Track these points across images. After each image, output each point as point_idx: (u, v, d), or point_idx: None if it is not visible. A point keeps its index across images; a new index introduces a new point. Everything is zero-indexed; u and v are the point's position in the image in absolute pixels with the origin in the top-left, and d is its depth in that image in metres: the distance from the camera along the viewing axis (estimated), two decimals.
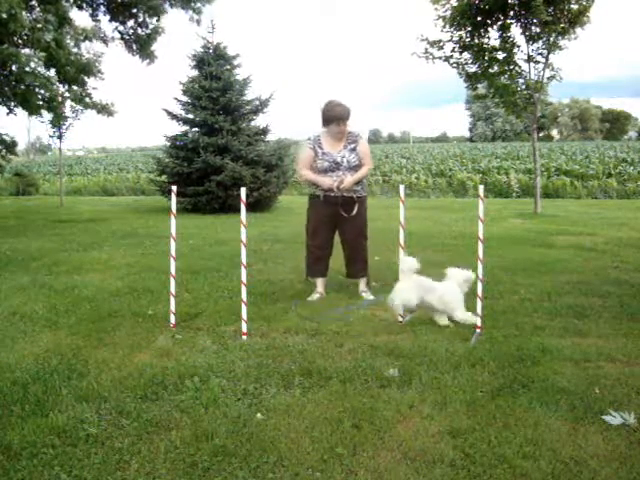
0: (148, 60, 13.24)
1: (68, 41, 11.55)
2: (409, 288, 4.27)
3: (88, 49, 12.97)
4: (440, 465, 2.38)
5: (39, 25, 8.88)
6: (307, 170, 5.12)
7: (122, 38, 13.02)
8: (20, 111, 11.34)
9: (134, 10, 12.42)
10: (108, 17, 12.86)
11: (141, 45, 12.87)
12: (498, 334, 3.99)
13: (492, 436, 2.59)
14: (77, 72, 11.56)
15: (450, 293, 4.24)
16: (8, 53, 8.93)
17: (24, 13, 8.37)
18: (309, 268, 5.34)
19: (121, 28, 12.93)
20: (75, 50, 12.12)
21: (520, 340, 3.86)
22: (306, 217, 5.33)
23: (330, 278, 5.46)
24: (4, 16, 7.96)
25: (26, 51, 9.61)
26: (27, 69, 9.58)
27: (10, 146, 14.09)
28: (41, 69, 9.72)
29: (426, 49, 11.84)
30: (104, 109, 13.47)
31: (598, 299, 4.94)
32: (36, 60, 9.25)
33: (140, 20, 12.69)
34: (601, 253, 7.31)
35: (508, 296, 5.07)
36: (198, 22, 12.87)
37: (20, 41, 9.42)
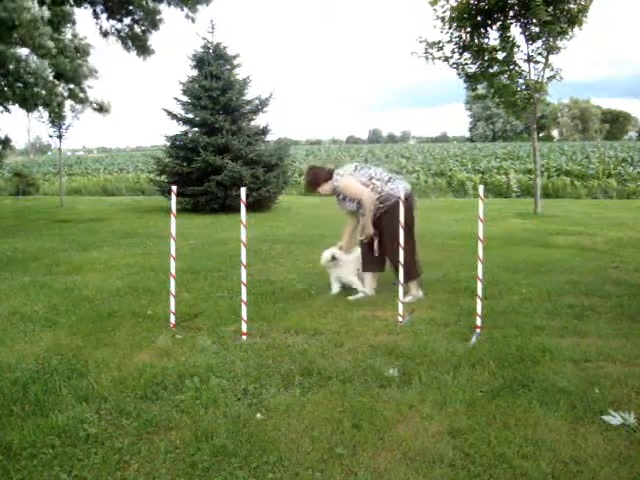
0: (144, 55, 13.29)
1: (66, 48, 11.58)
2: None
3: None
4: (440, 465, 2.38)
5: (41, 30, 8.87)
6: None
7: (119, 35, 13.08)
8: (19, 111, 11.42)
9: (130, 7, 12.47)
10: (106, 15, 12.93)
11: (137, 40, 12.93)
12: (498, 334, 3.99)
13: (492, 436, 2.59)
14: (74, 74, 11.61)
15: None
16: (9, 54, 8.94)
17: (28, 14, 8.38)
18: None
19: (118, 25, 13.02)
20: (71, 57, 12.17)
21: (520, 340, 3.86)
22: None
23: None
24: (4, 14, 7.97)
25: (24, 51, 9.63)
26: (27, 69, 9.59)
27: (5, 143, 14.15)
28: (42, 70, 9.73)
29: (426, 49, 11.85)
30: (101, 108, 13.52)
31: (598, 299, 4.94)
32: (40, 63, 9.26)
33: (137, 18, 12.75)
34: (601, 253, 7.31)
35: (508, 296, 5.07)
36: (193, 20, 12.96)
37: (20, 40, 9.41)
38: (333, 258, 5.20)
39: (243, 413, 2.85)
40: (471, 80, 12.22)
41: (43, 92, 10.40)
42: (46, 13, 8.60)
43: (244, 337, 4.01)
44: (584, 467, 2.35)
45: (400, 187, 5.00)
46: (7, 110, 11.55)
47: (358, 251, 5.34)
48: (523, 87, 11.86)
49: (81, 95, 12.60)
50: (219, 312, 4.65)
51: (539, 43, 11.58)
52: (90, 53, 12.56)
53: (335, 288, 5.29)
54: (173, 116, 13.86)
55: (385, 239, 5.08)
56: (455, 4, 11.38)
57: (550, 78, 11.83)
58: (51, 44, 9.13)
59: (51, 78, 10.10)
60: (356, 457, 2.45)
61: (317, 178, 5.24)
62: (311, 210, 13.50)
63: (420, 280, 5.17)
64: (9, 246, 8.24)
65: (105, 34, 13.26)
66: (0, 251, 7.79)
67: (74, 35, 12.19)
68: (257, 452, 2.49)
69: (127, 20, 12.96)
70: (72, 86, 12.15)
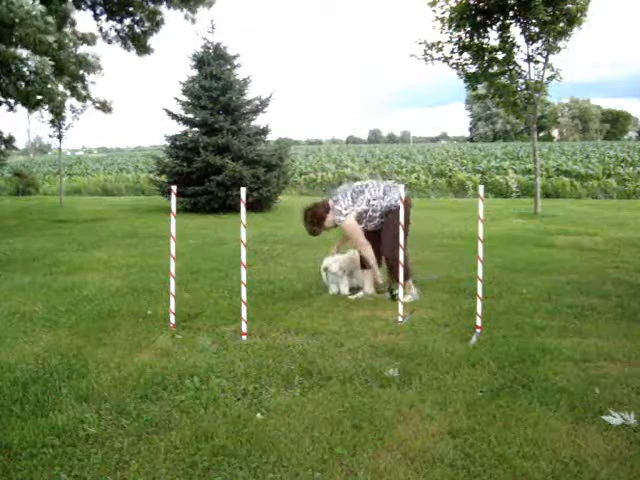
0: (144, 54, 13.35)
1: (67, 41, 11.58)
2: None
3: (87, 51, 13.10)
4: (440, 465, 2.38)
5: (40, 26, 8.85)
6: None
7: (119, 35, 13.13)
8: (20, 112, 11.44)
9: (130, 9, 12.52)
10: (105, 16, 12.99)
11: (137, 40, 12.98)
12: (498, 334, 3.99)
13: (492, 436, 2.59)
14: (77, 68, 11.62)
15: None
16: (9, 55, 8.95)
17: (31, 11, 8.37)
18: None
19: (118, 26, 13.06)
20: (73, 50, 12.18)
21: (520, 340, 3.86)
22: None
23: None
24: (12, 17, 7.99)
25: (23, 52, 9.63)
26: (26, 69, 9.61)
27: (8, 141, 14.17)
28: (45, 69, 9.73)
29: (425, 51, 11.85)
30: (104, 106, 13.53)
31: (598, 299, 4.94)
32: (40, 62, 9.27)
33: (137, 19, 12.80)
34: (601, 253, 7.31)
35: (508, 296, 5.07)
36: (193, 21, 13.03)
37: (19, 40, 9.40)
38: (343, 271, 5.21)
39: (243, 413, 2.85)
40: (471, 80, 12.21)
41: (44, 89, 10.39)
42: (39, 7, 8.55)
43: (244, 337, 4.01)
44: (584, 467, 2.35)
45: (395, 196, 5.03)
46: (11, 108, 11.56)
47: (351, 252, 5.36)
48: (523, 87, 11.86)
49: (83, 92, 12.60)
50: (219, 312, 4.64)
51: (539, 43, 11.58)
52: (96, 43, 12.64)
53: (333, 288, 5.29)
54: (173, 116, 13.86)
55: (383, 239, 5.09)
56: (454, 4, 11.38)
57: (550, 78, 11.83)
58: (51, 39, 9.11)
59: (51, 75, 10.10)
60: (356, 457, 2.45)
61: (318, 215, 5.15)
62: None
63: (413, 280, 5.17)
64: (9, 246, 8.23)
65: (106, 36, 13.32)
66: (0, 251, 7.79)
67: (74, 32, 12.24)
68: (257, 452, 2.49)
69: (127, 21, 13.01)
70: (74, 83, 12.16)
